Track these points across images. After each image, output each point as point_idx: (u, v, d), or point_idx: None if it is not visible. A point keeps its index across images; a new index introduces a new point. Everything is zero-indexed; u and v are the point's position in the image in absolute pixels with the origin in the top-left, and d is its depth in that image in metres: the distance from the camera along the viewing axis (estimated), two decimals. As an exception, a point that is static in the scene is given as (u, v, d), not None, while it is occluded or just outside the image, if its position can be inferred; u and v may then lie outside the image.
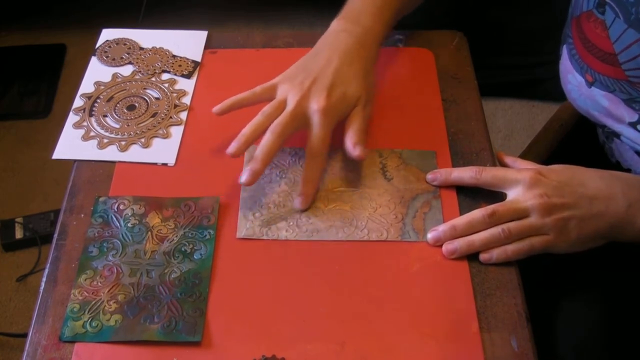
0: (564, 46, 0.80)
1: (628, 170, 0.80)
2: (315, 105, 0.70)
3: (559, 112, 1.01)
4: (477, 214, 0.66)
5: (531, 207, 0.65)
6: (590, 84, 0.75)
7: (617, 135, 0.78)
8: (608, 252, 0.69)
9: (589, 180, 0.67)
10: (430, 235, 0.67)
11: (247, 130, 0.70)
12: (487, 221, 0.65)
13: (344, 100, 0.72)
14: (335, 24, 0.78)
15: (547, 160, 0.95)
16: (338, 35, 0.76)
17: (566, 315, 0.73)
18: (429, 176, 0.72)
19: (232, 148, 0.69)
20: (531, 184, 0.66)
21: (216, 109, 0.74)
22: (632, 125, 0.74)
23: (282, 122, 0.69)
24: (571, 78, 0.79)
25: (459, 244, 0.65)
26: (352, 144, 0.70)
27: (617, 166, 0.81)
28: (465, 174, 0.70)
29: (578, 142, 0.94)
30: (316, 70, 0.73)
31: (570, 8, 0.78)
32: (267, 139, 0.69)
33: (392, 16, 0.79)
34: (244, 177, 0.67)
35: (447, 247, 0.66)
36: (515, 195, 0.67)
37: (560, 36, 0.82)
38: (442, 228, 0.66)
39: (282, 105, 0.71)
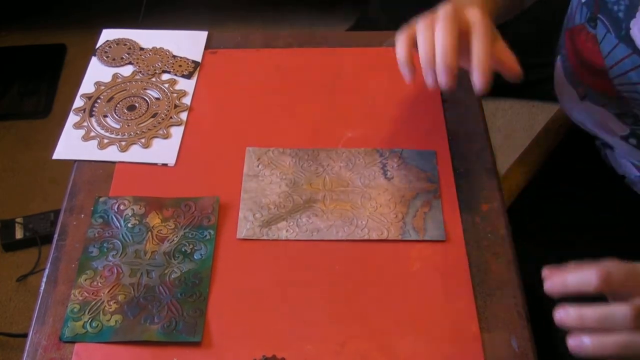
0: (558, 57, 0.81)
1: (622, 177, 0.80)
2: (469, 7, 0.65)
3: (559, 112, 1.01)
4: (618, 310, 0.50)
5: None
6: (582, 97, 0.75)
7: (610, 147, 0.78)
8: (608, 252, 0.69)
9: None
10: (559, 316, 0.53)
11: (421, 48, 0.63)
12: (629, 323, 0.50)
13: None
14: None
15: (547, 160, 0.95)
16: None
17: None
18: (547, 284, 0.54)
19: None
20: None
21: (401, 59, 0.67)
22: (624, 138, 0.74)
23: (445, 15, 0.63)
24: (564, 90, 0.79)
25: (590, 342, 0.51)
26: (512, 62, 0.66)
27: (611, 170, 0.81)
28: (585, 280, 0.52)
29: (578, 143, 0.94)
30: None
31: (565, 19, 0.78)
32: (441, 34, 0.62)
33: (495, 9, 0.73)
34: (443, 79, 0.61)
35: (574, 343, 0.52)
36: None
37: (558, 37, 0.82)
38: (571, 312, 0.52)
39: (435, 15, 0.65)
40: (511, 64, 0.65)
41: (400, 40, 0.67)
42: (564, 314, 0.53)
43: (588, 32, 0.70)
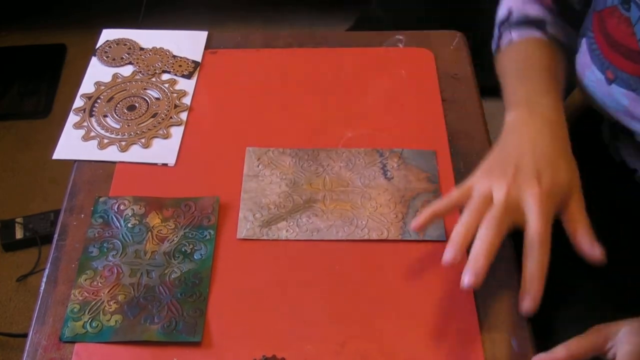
0: (583, 40, 0.79)
1: (633, 172, 0.79)
2: (529, 191, 0.60)
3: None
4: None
5: None
6: (610, 82, 0.74)
7: (630, 133, 0.76)
8: (609, 253, 0.69)
9: None
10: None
11: (458, 232, 0.59)
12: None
13: (557, 185, 0.62)
14: (510, 116, 0.69)
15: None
16: (521, 121, 0.68)
17: (566, 315, 0.73)
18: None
19: (448, 255, 0.59)
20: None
21: (416, 224, 0.63)
22: None
23: (495, 214, 0.59)
24: (589, 74, 0.78)
25: None
26: (589, 244, 0.60)
27: (621, 165, 0.81)
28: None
29: (578, 142, 0.94)
30: (514, 158, 0.63)
31: (593, 2, 0.77)
32: (484, 234, 0.58)
33: (561, 88, 0.71)
34: (466, 279, 0.57)
35: None
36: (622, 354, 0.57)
37: None
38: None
39: (488, 199, 0.61)
40: (588, 250, 0.60)
41: (446, 199, 0.64)
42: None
43: (621, 15, 0.69)
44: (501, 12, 0.80)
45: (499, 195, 0.60)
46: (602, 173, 0.82)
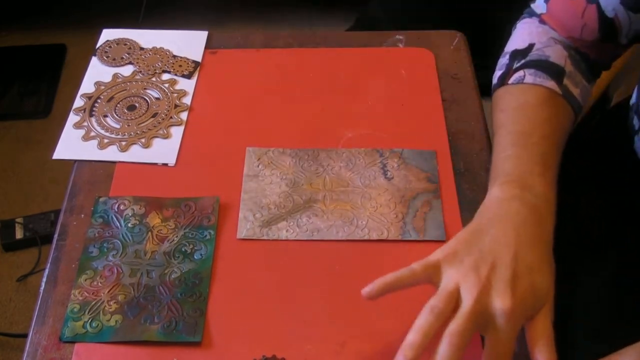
0: None
1: None
2: (500, 305, 0.53)
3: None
4: None
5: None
6: None
7: None
8: (611, 253, 0.69)
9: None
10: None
11: (416, 336, 0.53)
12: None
13: (533, 294, 0.55)
14: (500, 191, 0.61)
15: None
16: (508, 204, 0.60)
17: (568, 318, 0.73)
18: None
19: (404, 352, 0.53)
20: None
21: (366, 292, 0.57)
22: None
23: (460, 329, 0.52)
24: None
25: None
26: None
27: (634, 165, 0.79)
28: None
29: (579, 142, 0.94)
30: (491, 251, 0.56)
31: None
32: (444, 352, 0.52)
33: (557, 174, 0.65)
34: None
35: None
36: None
37: None
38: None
39: (454, 298, 0.54)
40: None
41: (408, 272, 0.57)
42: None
43: None
44: (519, 40, 0.74)
45: (467, 301, 0.54)
46: (600, 176, 0.82)
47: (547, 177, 0.62)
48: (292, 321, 0.62)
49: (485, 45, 1.17)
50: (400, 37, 0.88)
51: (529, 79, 0.69)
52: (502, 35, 0.82)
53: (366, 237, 0.68)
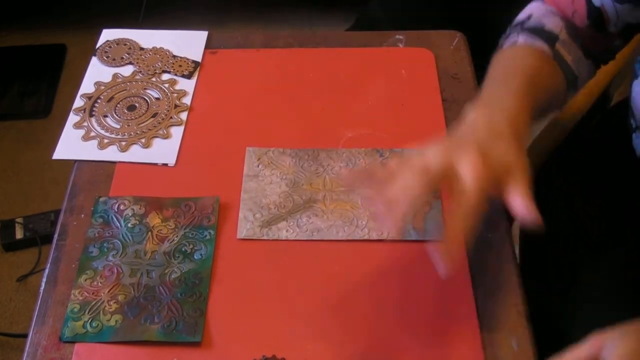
0: (637, 66, 0.74)
1: None
2: (466, 164, 0.56)
3: (559, 112, 1.01)
4: None
5: None
6: None
7: None
8: (611, 252, 0.69)
9: None
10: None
11: (402, 207, 0.55)
12: None
13: (497, 157, 0.57)
14: (470, 114, 0.63)
15: (546, 161, 0.95)
16: (478, 113, 0.62)
17: (568, 318, 0.73)
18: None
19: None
20: None
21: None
22: None
23: (421, 184, 0.55)
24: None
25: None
26: (523, 209, 0.56)
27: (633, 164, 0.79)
28: None
29: (579, 143, 0.94)
30: (459, 137, 0.60)
31: None
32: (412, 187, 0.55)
33: (538, 97, 0.66)
34: (442, 271, 0.54)
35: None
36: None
37: None
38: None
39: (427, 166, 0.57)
40: (523, 214, 0.56)
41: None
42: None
43: None
44: (522, 14, 0.77)
45: (435, 166, 0.56)
46: (602, 177, 0.82)
47: (519, 97, 0.63)
48: (292, 321, 0.62)
49: (485, 45, 1.17)
50: (400, 37, 0.88)
51: (521, 41, 0.71)
52: (502, 35, 0.83)
53: (366, 237, 0.68)
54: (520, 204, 0.55)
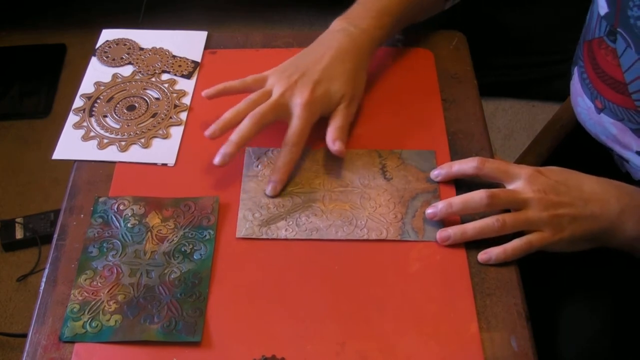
0: (575, 68, 0.80)
1: (639, 183, 0.80)
2: (299, 99, 0.72)
3: (560, 112, 1.01)
4: (476, 194, 0.65)
5: (530, 200, 0.65)
6: (599, 110, 0.75)
7: (625, 160, 0.77)
8: (610, 254, 0.69)
9: (586, 183, 0.67)
10: (428, 211, 0.67)
11: (228, 114, 0.73)
12: (484, 202, 0.65)
13: (327, 97, 0.73)
14: (334, 24, 0.79)
15: (547, 161, 0.95)
16: (334, 34, 0.78)
17: (569, 318, 0.73)
18: (434, 172, 0.72)
19: (210, 130, 0.72)
20: (531, 179, 0.66)
21: (206, 92, 0.77)
22: (639, 153, 0.74)
23: (262, 110, 0.72)
24: (581, 101, 0.79)
25: (452, 231, 0.66)
26: (331, 140, 0.72)
27: (627, 177, 0.81)
28: (467, 165, 0.69)
29: (580, 143, 0.94)
30: (306, 65, 0.75)
31: (583, 30, 0.77)
32: (244, 123, 0.71)
33: (392, 22, 0.80)
34: (216, 159, 0.70)
35: (440, 234, 0.66)
36: (515, 187, 0.67)
37: (559, 36, 0.82)
38: (440, 205, 0.67)
39: (268, 94, 0.74)
40: (329, 144, 0.72)
41: (241, 82, 0.78)
42: (433, 209, 0.67)
43: (608, 46, 0.70)
44: None
45: (275, 94, 0.73)
46: (624, 169, 0.82)
47: (378, 20, 0.78)
48: (292, 321, 0.62)
49: (485, 45, 1.17)
50: (400, 37, 0.88)
51: None
52: (502, 35, 0.83)
53: (365, 237, 0.68)
54: (329, 135, 0.72)
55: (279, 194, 0.71)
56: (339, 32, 0.77)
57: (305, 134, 0.72)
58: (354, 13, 0.80)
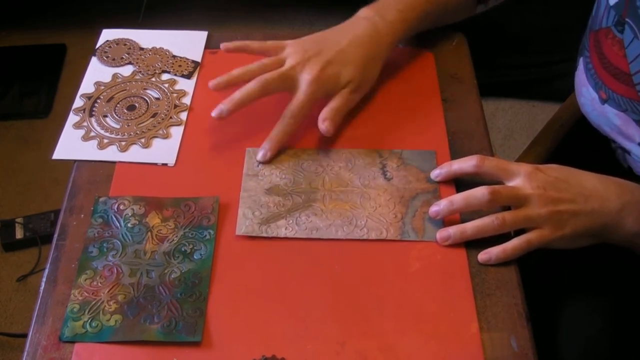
0: (580, 58, 0.80)
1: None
2: (307, 75, 0.74)
3: (560, 112, 1.01)
4: (478, 190, 0.66)
5: (529, 196, 0.65)
6: (603, 101, 0.75)
7: (627, 151, 0.77)
8: (610, 252, 0.69)
9: (586, 179, 0.67)
10: (430, 210, 0.68)
11: (237, 71, 0.75)
12: (486, 198, 0.65)
13: (335, 78, 0.75)
14: (361, 11, 0.81)
15: (547, 161, 0.95)
16: (360, 20, 0.80)
17: (570, 317, 0.73)
18: (434, 172, 0.72)
19: (215, 80, 0.75)
20: (530, 176, 0.66)
21: (225, 45, 0.80)
22: None
23: (270, 76, 0.74)
24: (585, 92, 0.79)
25: (452, 230, 0.66)
26: (322, 119, 0.73)
27: (629, 172, 0.81)
28: (466, 164, 0.69)
29: (579, 142, 0.94)
30: (324, 44, 0.77)
31: (590, 20, 0.77)
32: (249, 84, 0.73)
33: (417, 18, 0.81)
34: (214, 112, 0.73)
35: (440, 234, 0.66)
36: (515, 184, 0.67)
37: (559, 37, 0.82)
38: (442, 203, 0.67)
39: (281, 63, 0.76)
40: (319, 124, 0.74)
41: (260, 44, 0.79)
42: (436, 207, 0.67)
43: (615, 36, 0.70)
44: None
45: (286, 65, 0.75)
46: (624, 168, 0.82)
47: (404, 14, 0.80)
48: (292, 321, 0.62)
49: (485, 45, 1.17)
50: (400, 37, 0.88)
51: None
52: (502, 35, 0.83)
53: (365, 237, 0.68)
54: (321, 114, 0.74)
55: (269, 161, 0.74)
56: (364, 20, 0.79)
57: (305, 109, 0.74)
58: (383, 3, 0.81)
